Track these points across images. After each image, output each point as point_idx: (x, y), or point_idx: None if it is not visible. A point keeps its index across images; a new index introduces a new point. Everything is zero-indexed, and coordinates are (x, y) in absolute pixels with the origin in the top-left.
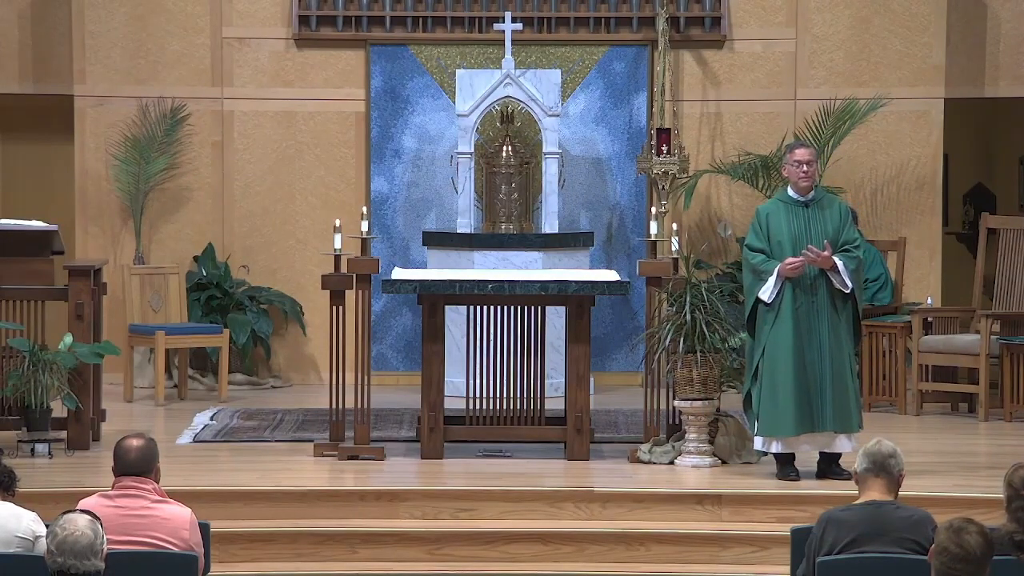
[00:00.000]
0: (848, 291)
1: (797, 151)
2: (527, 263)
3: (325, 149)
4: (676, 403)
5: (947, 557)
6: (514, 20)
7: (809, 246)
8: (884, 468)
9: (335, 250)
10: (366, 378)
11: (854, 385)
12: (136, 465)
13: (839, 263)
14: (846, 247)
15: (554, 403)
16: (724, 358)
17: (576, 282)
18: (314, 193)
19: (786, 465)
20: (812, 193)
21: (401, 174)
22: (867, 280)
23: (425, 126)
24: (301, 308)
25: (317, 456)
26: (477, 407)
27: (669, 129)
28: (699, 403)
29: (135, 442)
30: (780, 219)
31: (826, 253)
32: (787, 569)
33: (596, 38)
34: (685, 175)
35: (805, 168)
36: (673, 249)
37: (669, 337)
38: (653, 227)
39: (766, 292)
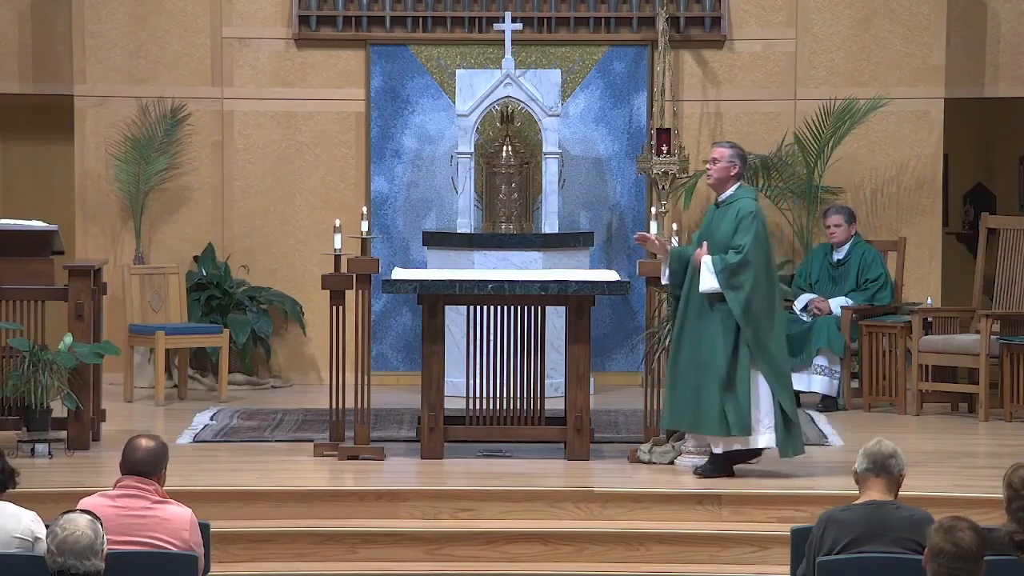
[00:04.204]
0: (707, 290)
1: None
2: (527, 263)
3: (325, 149)
4: None
5: (944, 558)
6: (514, 20)
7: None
8: (884, 468)
9: (335, 250)
10: (366, 378)
11: (723, 387)
12: (142, 465)
13: (703, 261)
14: (731, 249)
15: (554, 403)
16: None
17: (576, 282)
18: (314, 193)
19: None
20: (724, 194)
21: (401, 174)
22: (867, 280)
23: (425, 126)
24: (301, 308)
25: (317, 456)
26: (477, 407)
27: (669, 129)
28: None
29: (145, 443)
30: (704, 218)
31: (699, 251)
32: (787, 569)
33: (596, 38)
34: (685, 175)
35: (707, 165)
36: None
37: (669, 337)
38: (653, 227)
39: (663, 275)
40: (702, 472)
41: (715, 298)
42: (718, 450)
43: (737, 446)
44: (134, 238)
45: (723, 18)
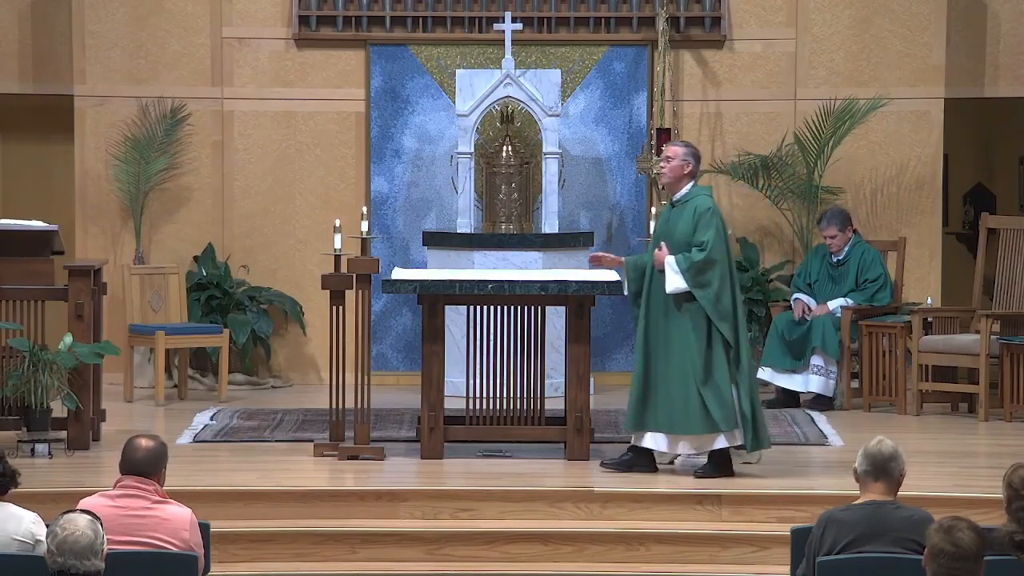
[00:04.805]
0: (674, 291)
1: None
2: (527, 263)
3: (325, 149)
4: None
5: (944, 558)
6: (514, 20)
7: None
8: (884, 472)
9: (335, 250)
10: (366, 378)
11: (702, 385)
12: (141, 465)
13: (667, 262)
14: (694, 247)
15: (554, 403)
16: None
17: (576, 282)
18: (314, 193)
19: (639, 458)
20: (679, 193)
21: (401, 174)
22: (866, 280)
23: (425, 126)
24: (301, 308)
25: (317, 456)
26: (477, 407)
27: (669, 129)
28: None
29: (144, 443)
30: (660, 219)
31: (660, 252)
32: (787, 569)
33: (596, 38)
34: None
35: (660, 164)
36: None
37: None
38: (653, 227)
39: (624, 287)
40: (702, 473)
41: (681, 298)
42: (688, 450)
43: (721, 443)
44: (134, 238)
45: (723, 18)
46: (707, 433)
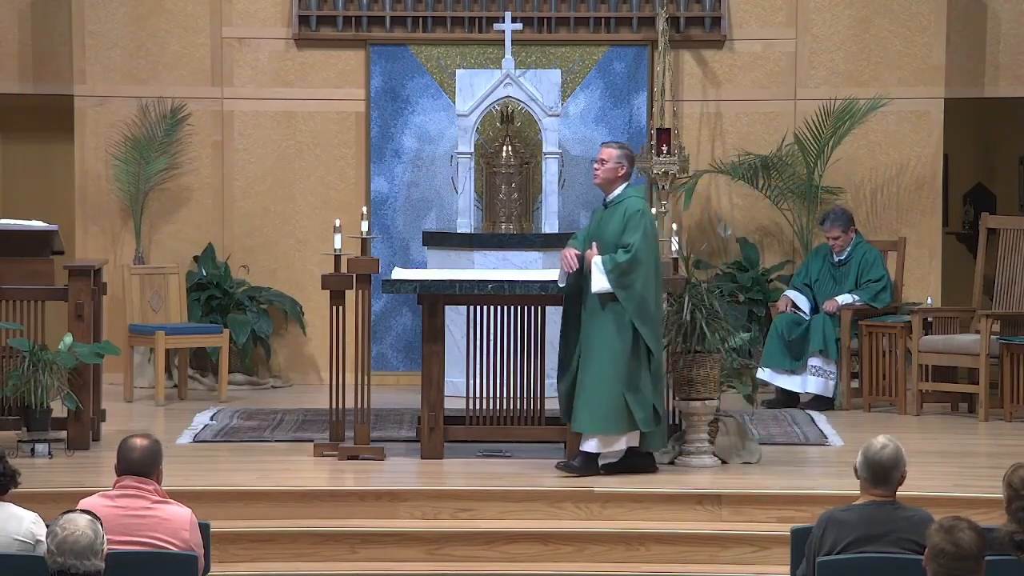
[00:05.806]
0: (598, 291)
1: None
2: (527, 263)
3: (325, 149)
4: (676, 403)
5: (945, 558)
6: (514, 20)
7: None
8: (885, 480)
9: (335, 250)
10: (366, 378)
11: (625, 386)
12: (139, 465)
13: (593, 262)
14: (620, 248)
15: (554, 403)
16: (724, 358)
17: None
18: (314, 193)
19: (641, 458)
20: (612, 195)
21: (401, 174)
22: (868, 281)
23: (425, 126)
24: (301, 308)
25: (317, 456)
26: (477, 407)
27: (669, 129)
28: (699, 403)
29: (140, 442)
30: (593, 219)
31: (590, 252)
32: (787, 569)
33: (596, 38)
34: (685, 175)
35: (595, 165)
36: (673, 249)
37: (669, 337)
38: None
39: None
40: (563, 465)
41: (606, 298)
42: (588, 447)
43: (623, 443)
44: (134, 238)
45: (723, 18)
46: (625, 432)
